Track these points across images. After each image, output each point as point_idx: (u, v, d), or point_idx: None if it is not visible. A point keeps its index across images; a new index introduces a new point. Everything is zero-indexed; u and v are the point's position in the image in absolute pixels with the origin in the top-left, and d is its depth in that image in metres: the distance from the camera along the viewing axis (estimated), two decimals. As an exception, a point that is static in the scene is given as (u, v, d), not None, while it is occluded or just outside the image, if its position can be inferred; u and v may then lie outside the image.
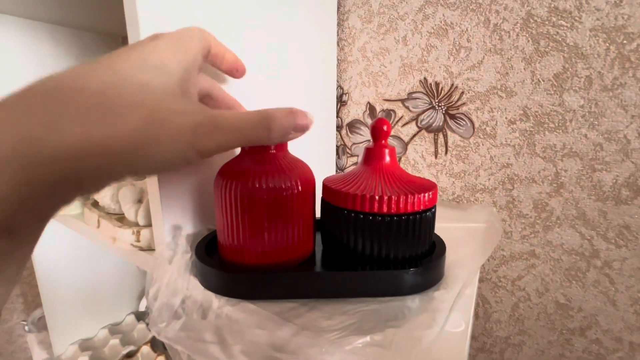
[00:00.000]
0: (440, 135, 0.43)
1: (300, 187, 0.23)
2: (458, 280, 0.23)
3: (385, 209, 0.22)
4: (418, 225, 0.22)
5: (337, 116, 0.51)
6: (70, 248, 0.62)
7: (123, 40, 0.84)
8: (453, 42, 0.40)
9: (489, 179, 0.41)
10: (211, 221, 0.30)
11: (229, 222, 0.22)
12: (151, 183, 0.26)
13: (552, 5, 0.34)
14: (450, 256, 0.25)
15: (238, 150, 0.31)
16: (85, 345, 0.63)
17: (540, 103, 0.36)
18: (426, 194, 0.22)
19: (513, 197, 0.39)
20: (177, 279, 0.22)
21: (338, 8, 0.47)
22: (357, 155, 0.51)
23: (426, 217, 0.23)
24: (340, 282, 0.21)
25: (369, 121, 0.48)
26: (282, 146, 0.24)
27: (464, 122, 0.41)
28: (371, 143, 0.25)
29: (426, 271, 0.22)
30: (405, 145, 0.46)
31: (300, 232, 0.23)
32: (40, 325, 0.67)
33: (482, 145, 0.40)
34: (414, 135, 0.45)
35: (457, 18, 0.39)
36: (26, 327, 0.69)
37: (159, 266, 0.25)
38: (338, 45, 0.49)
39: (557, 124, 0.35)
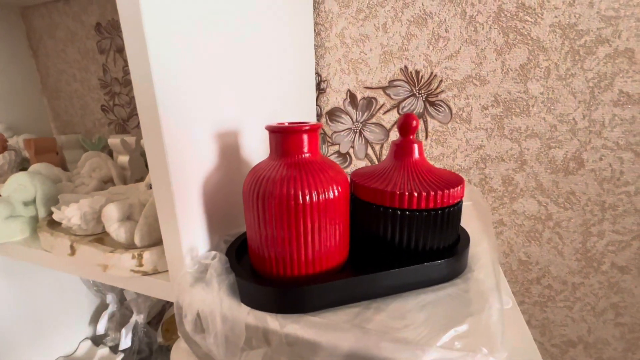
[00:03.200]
0: (421, 122, 0.45)
1: (341, 190, 0.22)
2: (480, 259, 0.26)
3: (423, 205, 0.23)
4: (451, 218, 0.24)
5: (317, 104, 0.50)
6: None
7: (22, 11, 0.67)
8: (432, 31, 0.41)
9: (465, 160, 0.45)
10: (225, 230, 0.27)
11: (273, 234, 0.21)
12: (162, 197, 0.22)
13: (520, 2, 0.37)
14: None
15: (256, 155, 0.29)
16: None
17: (508, 90, 0.40)
18: (456, 188, 0.24)
19: (485, 175, 0.45)
20: (222, 305, 0.20)
21: (313, -11, 0.45)
22: (339, 144, 0.51)
23: (457, 210, 0.24)
24: (393, 279, 0.22)
25: (350, 109, 0.48)
26: (315, 148, 0.23)
27: (443, 109, 0.44)
28: (399, 138, 0.26)
29: (461, 258, 0.24)
30: (387, 132, 0.48)
31: (343, 234, 0.23)
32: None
33: (459, 129, 0.44)
34: (395, 122, 0.47)
35: (435, 8, 0.41)
36: None
37: (183, 291, 0.22)
38: (314, 30, 0.47)
39: (522, 109, 0.41)
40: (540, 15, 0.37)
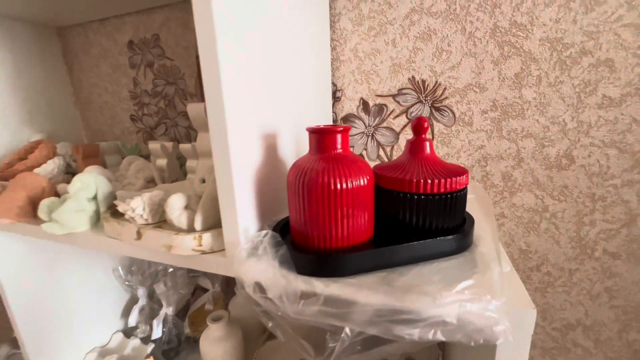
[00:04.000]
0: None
1: (368, 179, 0.27)
2: (483, 238, 0.30)
3: (435, 190, 0.28)
4: (458, 201, 0.29)
5: (332, 111, 0.55)
6: (37, 274, 0.56)
7: (58, 31, 0.74)
8: (436, 46, 0.47)
9: (468, 159, 0.50)
10: (268, 217, 0.32)
11: (315, 215, 0.26)
12: (224, 189, 0.27)
13: (512, 20, 0.43)
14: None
15: (288, 153, 0.34)
16: (74, 373, 0.58)
17: (505, 96, 0.46)
18: (462, 177, 0.29)
19: (486, 172, 0.50)
20: (276, 270, 0.25)
21: (329, 10, 0.51)
22: (353, 147, 0.56)
23: (462, 195, 0.29)
24: (412, 251, 0.27)
25: (363, 115, 0.54)
26: (346, 146, 0.28)
27: (447, 113, 0.49)
28: (413, 137, 0.31)
29: (468, 235, 0.29)
30: (397, 135, 0.53)
31: (370, 215, 0.28)
32: (11, 364, 0.59)
33: (462, 131, 0.49)
34: (404, 126, 0.52)
35: (439, 25, 0.46)
36: None
37: (241, 264, 0.27)
38: (331, 45, 0.52)
39: (517, 113, 0.46)
40: (530, 30, 0.43)
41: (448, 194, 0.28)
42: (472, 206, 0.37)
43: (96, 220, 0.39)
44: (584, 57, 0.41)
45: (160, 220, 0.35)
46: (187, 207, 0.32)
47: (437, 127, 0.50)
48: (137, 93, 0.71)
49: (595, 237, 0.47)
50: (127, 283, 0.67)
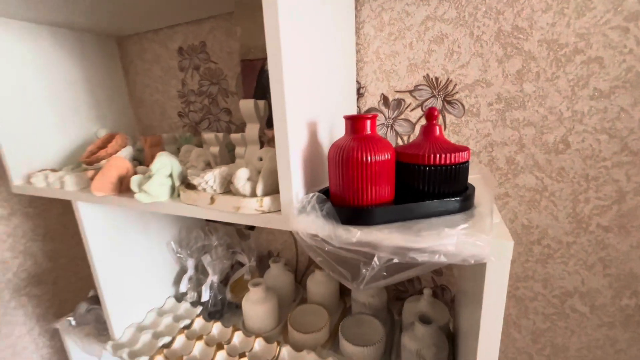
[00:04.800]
0: (440, 117, 0.58)
1: (390, 155, 0.36)
2: (482, 204, 0.38)
3: (442, 162, 0.36)
4: (461, 171, 0.37)
5: (357, 105, 0.64)
6: (114, 243, 0.67)
7: (117, 40, 0.86)
8: (448, 47, 0.55)
9: (476, 145, 0.57)
10: (312, 186, 0.41)
11: (350, 181, 0.35)
12: (282, 163, 0.36)
13: (514, 24, 0.50)
14: (474, 191, 0.40)
15: (327, 128, 0.43)
16: (141, 327, 0.70)
17: (508, 90, 0.53)
18: (464, 153, 0.37)
19: (492, 157, 0.57)
20: (323, 220, 0.34)
21: (355, 19, 0.59)
22: (374, 136, 0.64)
23: (464, 167, 0.37)
24: (424, 208, 0.35)
25: (384, 108, 0.62)
26: (374, 129, 0.37)
27: (457, 106, 0.57)
28: (426, 123, 0.39)
29: (469, 198, 0.37)
30: (414, 125, 0.61)
31: (392, 181, 0.36)
32: (90, 318, 0.71)
33: (470, 122, 0.57)
34: (420, 117, 0.60)
35: (450, 30, 0.54)
36: (73, 322, 0.72)
37: (295, 218, 0.36)
38: (356, 49, 0.61)
39: (519, 104, 0.53)
40: (530, 33, 0.50)
41: (452, 166, 0.36)
42: (477, 183, 0.45)
43: (172, 192, 0.49)
44: (577, 56, 0.48)
45: (226, 191, 0.45)
46: (249, 179, 0.42)
47: (449, 118, 0.58)
48: (184, 92, 0.82)
49: (590, 213, 0.53)
50: (178, 255, 0.78)
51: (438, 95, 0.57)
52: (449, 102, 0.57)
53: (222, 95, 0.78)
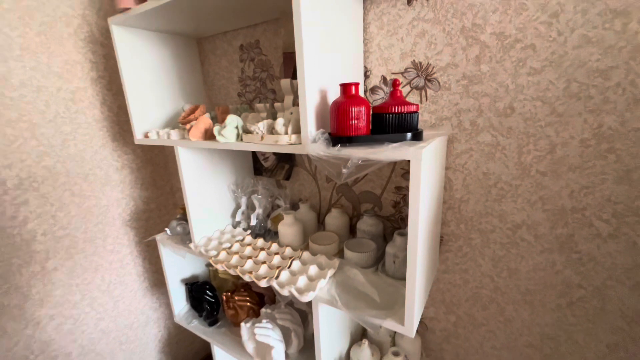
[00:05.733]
0: (423, 91, 0.80)
1: (366, 107, 0.60)
2: (427, 141, 0.61)
3: (399, 111, 0.59)
4: (411, 118, 0.60)
5: (364, 84, 0.87)
6: (197, 178, 1.00)
7: (197, 40, 1.18)
8: (427, 40, 0.76)
9: (448, 112, 0.78)
10: (323, 128, 0.67)
11: (342, 121, 0.60)
12: (303, 114, 0.62)
13: (473, 22, 0.70)
14: (427, 134, 0.62)
15: (334, 94, 0.68)
16: (211, 237, 1.02)
17: (470, 70, 0.73)
18: (413, 106, 0.59)
19: (460, 120, 0.77)
20: (324, 145, 0.59)
21: (363, 21, 0.83)
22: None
23: (414, 115, 0.60)
24: (386, 138, 0.59)
25: (383, 86, 0.85)
26: (357, 92, 0.61)
27: (435, 83, 0.78)
28: (392, 89, 0.62)
29: (418, 135, 0.60)
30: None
31: (367, 123, 0.61)
32: (179, 230, 1.05)
33: (444, 95, 0.77)
34: (409, 92, 0.82)
35: (429, 27, 0.75)
36: (168, 231, 1.07)
37: (310, 145, 0.62)
38: (363, 42, 0.84)
39: (478, 80, 0.72)
40: (484, 28, 0.69)
41: (404, 114, 0.59)
42: (436, 134, 0.67)
43: (237, 137, 0.78)
44: (517, 44, 0.67)
45: (270, 133, 0.72)
46: (284, 125, 0.69)
47: (429, 92, 0.79)
48: (242, 78, 1.12)
49: (530, 161, 0.71)
50: (235, 195, 1.10)
51: (421, 75, 0.79)
52: (429, 80, 0.78)
53: (269, 79, 1.06)
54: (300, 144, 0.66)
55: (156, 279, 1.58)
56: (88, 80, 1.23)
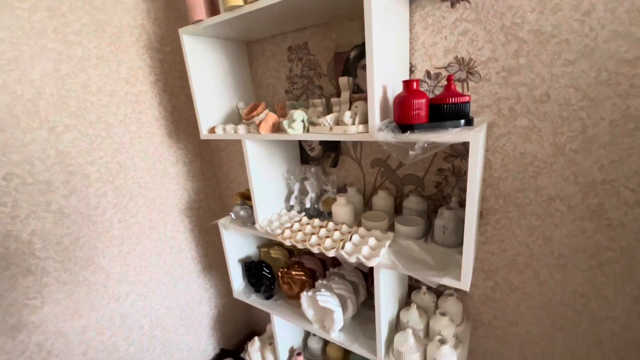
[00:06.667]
0: (465, 83, 0.91)
1: (426, 99, 0.71)
2: (477, 126, 0.72)
3: (454, 101, 0.70)
4: (464, 107, 0.71)
5: (409, 78, 0.98)
6: (260, 165, 1.13)
7: (247, 43, 1.30)
8: (469, 38, 0.86)
9: (489, 101, 0.88)
10: (385, 118, 0.79)
11: (406, 111, 0.71)
12: (371, 106, 0.74)
13: (512, 21, 0.80)
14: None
15: (392, 89, 0.80)
16: (271, 220, 1.16)
17: (510, 63, 0.83)
18: (465, 97, 0.70)
19: (499, 108, 0.88)
20: (392, 132, 0.71)
21: (409, 22, 0.93)
22: (420, 98, 0.98)
23: (466, 105, 0.71)
24: (444, 125, 0.70)
25: (427, 80, 0.96)
26: (418, 87, 0.73)
27: (476, 75, 0.88)
28: (447, 83, 0.73)
29: (470, 122, 0.71)
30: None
31: (426, 112, 0.72)
32: (242, 214, 1.20)
33: (485, 85, 0.88)
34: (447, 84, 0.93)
35: (471, 27, 0.85)
36: (233, 215, 1.22)
37: (376, 134, 0.74)
38: (409, 41, 0.95)
39: (516, 72, 0.83)
40: (522, 26, 0.79)
41: (459, 104, 0.70)
42: (483, 120, 0.78)
43: (304, 129, 0.91)
44: (552, 39, 0.77)
45: (337, 124, 0.85)
46: (350, 117, 0.81)
47: (470, 84, 0.90)
48: (290, 76, 1.24)
49: (565, 141, 0.82)
50: (288, 181, 1.23)
51: (463, 69, 0.90)
52: (471, 73, 0.89)
53: (317, 77, 1.18)
54: (368, 132, 0.78)
55: (206, 263, 1.74)
56: (148, 83, 1.37)
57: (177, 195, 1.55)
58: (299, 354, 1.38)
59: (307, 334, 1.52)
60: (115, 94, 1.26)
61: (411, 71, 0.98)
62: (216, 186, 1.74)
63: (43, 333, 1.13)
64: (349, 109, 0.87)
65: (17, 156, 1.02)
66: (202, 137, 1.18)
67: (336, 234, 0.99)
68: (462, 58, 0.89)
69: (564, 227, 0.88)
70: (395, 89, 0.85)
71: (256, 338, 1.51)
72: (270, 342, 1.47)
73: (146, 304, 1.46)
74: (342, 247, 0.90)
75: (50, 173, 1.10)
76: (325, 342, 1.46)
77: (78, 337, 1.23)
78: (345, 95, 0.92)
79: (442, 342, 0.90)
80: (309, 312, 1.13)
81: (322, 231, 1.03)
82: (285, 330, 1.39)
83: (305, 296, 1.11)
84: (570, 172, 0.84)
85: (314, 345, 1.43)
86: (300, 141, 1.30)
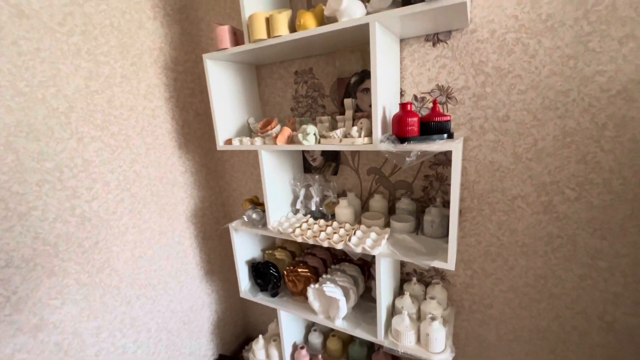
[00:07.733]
0: (444, 105, 1.13)
1: (417, 118, 0.91)
2: (456, 139, 0.93)
3: (437, 119, 0.91)
4: (445, 124, 0.92)
5: (400, 101, 1.20)
6: (272, 172, 1.28)
7: (257, 67, 1.48)
8: (447, 70, 1.09)
9: (463, 120, 1.11)
10: (385, 132, 0.98)
11: (402, 127, 0.91)
12: (374, 123, 0.94)
13: (479, 59, 1.04)
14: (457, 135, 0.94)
15: (394, 110, 1.00)
16: (280, 221, 1.30)
17: (479, 90, 1.06)
18: (447, 117, 0.91)
19: (472, 125, 1.10)
20: (392, 143, 0.91)
21: (400, 57, 1.15)
22: (409, 117, 1.19)
23: (448, 123, 0.92)
24: (430, 137, 0.90)
25: (415, 102, 1.17)
26: (411, 108, 0.93)
27: (453, 99, 1.11)
28: (432, 105, 0.94)
29: (451, 135, 0.92)
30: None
31: (417, 127, 0.92)
32: (254, 217, 1.33)
33: (460, 107, 1.10)
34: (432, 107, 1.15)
35: (448, 62, 1.08)
36: (245, 218, 1.35)
37: (379, 145, 0.93)
38: (400, 71, 1.17)
39: (484, 98, 1.06)
40: (487, 64, 1.03)
41: (442, 122, 0.91)
42: (459, 134, 1.00)
43: (316, 141, 1.08)
44: (509, 74, 1.01)
45: (346, 136, 1.03)
46: (357, 131, 0.99)
47: (449, 106, 1.12)
48: (296, 96, 1.43)
49: (522, 152, 1.05)
50: (294, 187, 1.39)
51: (443, 94, 1.12)
52: (449, 98, 1.11)
53: (320, 97, 1.37)
54: (372, 143, 0.97)
55: (209, 268, 1.83)
56: (162, 99, 1.51)
57: (185, 203, 1.65)
58: (302, 348, 1.49)
59: (308, 331, 1.64)
60: (135, 109, 1.38)
61: (402, 95, 1.19)
62: (219, 195, 1.86)
63: (61, 333, 1.18)
64: (353, 124, 1.06)
65: (50, 164, 1.12)
66: (218, 149, 1.32)
67: (341, 231, 1.15)
68: (442, 85, 1.11)
69: (525, 220, 1.10)
70: (391, 109, 1.05)
71: (260, 336, 1.61)
72: (274, 339, 1.57)
73: (154, 307, 1.52)
74: (349, 240, 1.07)
75: (77, 180, 1.20)
76: (325, 337, 1.58)
77: (92, 338, 1.28)
78: (349, 113, 1.12)
79: (433, 319, 1.07)
80: (315, 304, 1.26)
81: (329, 229, 1.19)
82: (289, 327, 1.51)
83: (312, 289, 1.25)
84: (527, 176, 1.06)
85: (315, 340, 1.55)
86: (303, 152, 1.47)
